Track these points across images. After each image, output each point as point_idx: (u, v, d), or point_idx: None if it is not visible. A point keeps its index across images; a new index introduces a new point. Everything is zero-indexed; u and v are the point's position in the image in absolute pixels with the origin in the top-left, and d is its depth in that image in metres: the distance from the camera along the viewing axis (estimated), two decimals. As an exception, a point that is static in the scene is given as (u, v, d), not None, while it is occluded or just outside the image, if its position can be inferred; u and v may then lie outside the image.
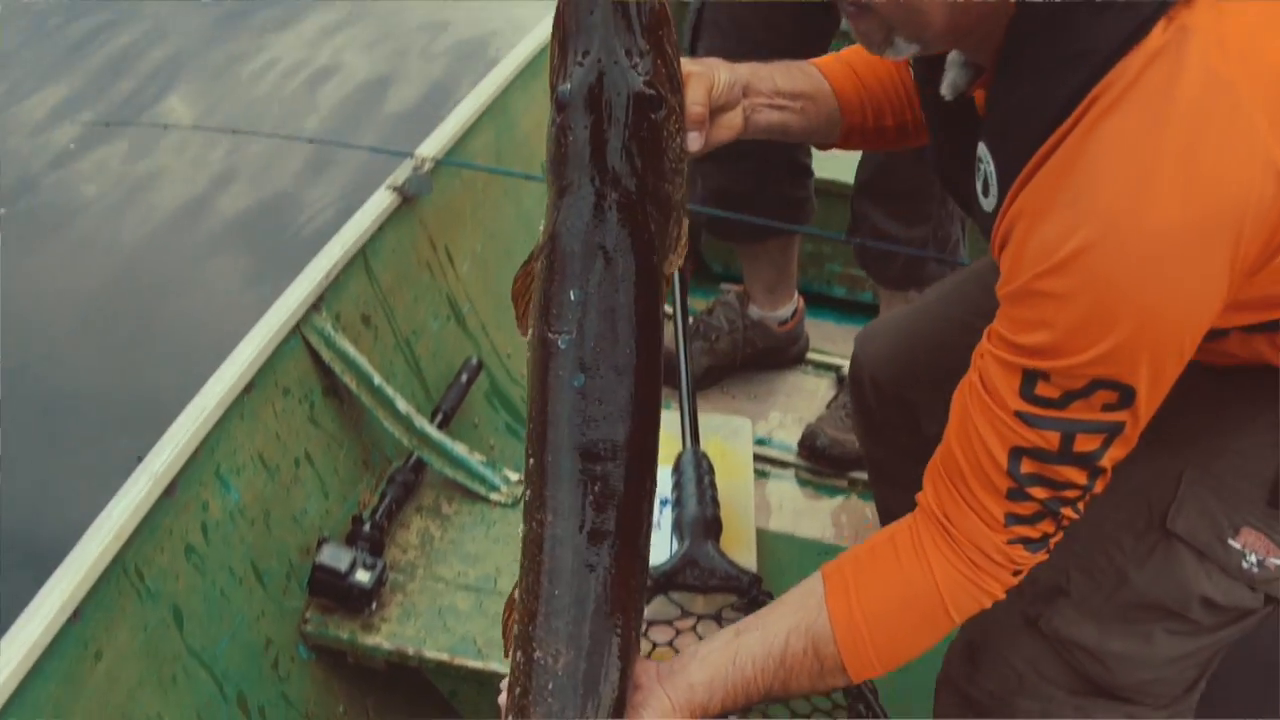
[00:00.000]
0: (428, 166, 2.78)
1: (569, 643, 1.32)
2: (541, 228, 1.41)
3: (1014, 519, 1.31)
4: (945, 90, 1.39)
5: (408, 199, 2.75)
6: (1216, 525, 1.47)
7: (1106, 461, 1.27)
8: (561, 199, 1.38)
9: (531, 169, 3.07)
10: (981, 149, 1.30)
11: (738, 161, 2.62)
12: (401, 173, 2.76)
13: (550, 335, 1.35)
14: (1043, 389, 1.23)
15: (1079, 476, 1.28)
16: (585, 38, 1.37)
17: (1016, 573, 1.36)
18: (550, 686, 1.32)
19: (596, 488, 1.32)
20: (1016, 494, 1.30)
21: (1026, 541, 1.33)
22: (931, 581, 1.36)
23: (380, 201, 2.71)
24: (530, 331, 1.40)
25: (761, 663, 1.39)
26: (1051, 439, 1.25)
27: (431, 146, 2.86)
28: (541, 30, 3.41)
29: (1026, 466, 1.28)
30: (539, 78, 3.24)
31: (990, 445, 1.29)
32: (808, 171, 2.85)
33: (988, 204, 1.30)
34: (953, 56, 1.37)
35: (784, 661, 1.39)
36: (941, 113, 1.45)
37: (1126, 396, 1.20)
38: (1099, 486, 1.30)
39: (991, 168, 1.27)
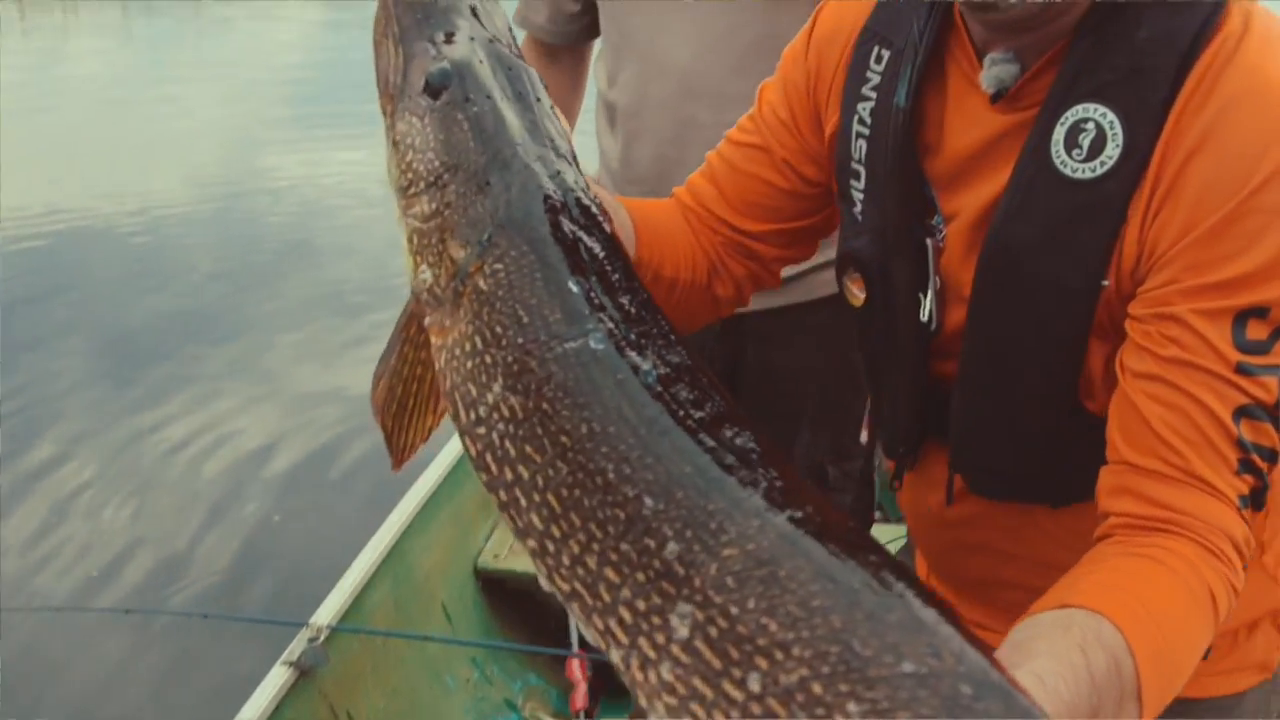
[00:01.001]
0: (323, 636, 2.67)
1: (934, 654, 0.97)
2: (430, 242, 1.25)
3: (1244, 500, 1.24)
4: (990, 85, 1.40)
5: (304, 672, 2.62)
6: None
7: None
8: (493, 183, 1.24)
9: (432, 611, 2.99)
10: (1081, 110, 1.32)
11: None
12: (297, 646, 2.67)
13: (570, 345, 1.15)
14: (1254, 329, 1.23)
15: (1276, 439, 1.25)
16: (442, 19, 1.31)
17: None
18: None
19: (767, 476, 1.09)
20: (1246, 466, 1.23)
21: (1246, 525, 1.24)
22: (1204, 584, 1.20)
23: (276, 679, 2.61)
24: (507, 370, 1.17)
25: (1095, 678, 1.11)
26: (1271, 387, 1.23)
27: (327, 611, 2.79)
28: (436, 469, 3.42)
29: (1248, 432, 1.23)
30: (436, 517, 3.20)
31: (1217, 412, 1.22)
32: None
33: (1093, 167, 1.31)
34: (992, 56, 1.40)
35: (1093, 681, 1.09)
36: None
37: None
38: None
39: (1112, 118, 1.30)
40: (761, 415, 1.62)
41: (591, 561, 1.12)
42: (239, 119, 12.53)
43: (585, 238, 1.25)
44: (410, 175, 1.28)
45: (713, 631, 1.04)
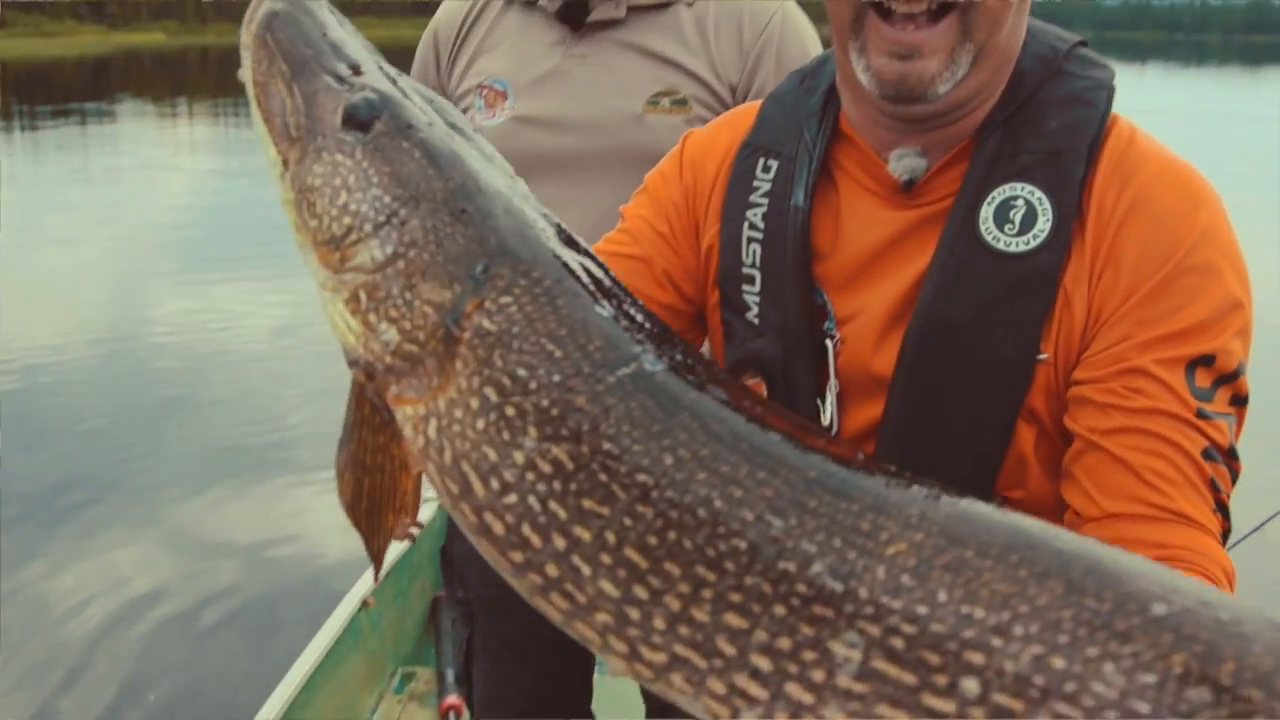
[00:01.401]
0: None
1: (1171, 590, 0.89)
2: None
3: (1222, 537, 1.29)
4: (903, 174, 1.50)
5: None
6: None
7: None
8: (470, 211, 1.09)
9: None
10: (1008, 189, 1.45)
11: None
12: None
13: (623, 372, 1.00)
14: (1201, 378, 1.32)
15: (1229, 483, 1.31)
16: (334, 53, 1.18)
17: None
18: None
19: (883, 468, 0.99)
20: (1219, 505, 1.29)
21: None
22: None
23: None
24: (543, 418, 0.99)
25: None
26: (1225, 430, 1.31)
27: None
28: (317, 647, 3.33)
29: (1213, 474, 1.28)
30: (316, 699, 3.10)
31: (1191, 453, 1.28)
32: None
33: (1027, 240, 1.42)
34: (899, 151, 1.51)
35: None
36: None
37: (1242, 395, 1.36)
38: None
39: (1040, 194, 1.43)
40: None
41: (702, 613, 0.95)
42: (125, 266, 12.36)
43: (585, 259, 1.12)
44: (347, 220, 1.11)
45: (896, 644, 0.90)
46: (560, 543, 1.00)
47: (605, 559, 0.99)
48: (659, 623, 0.97)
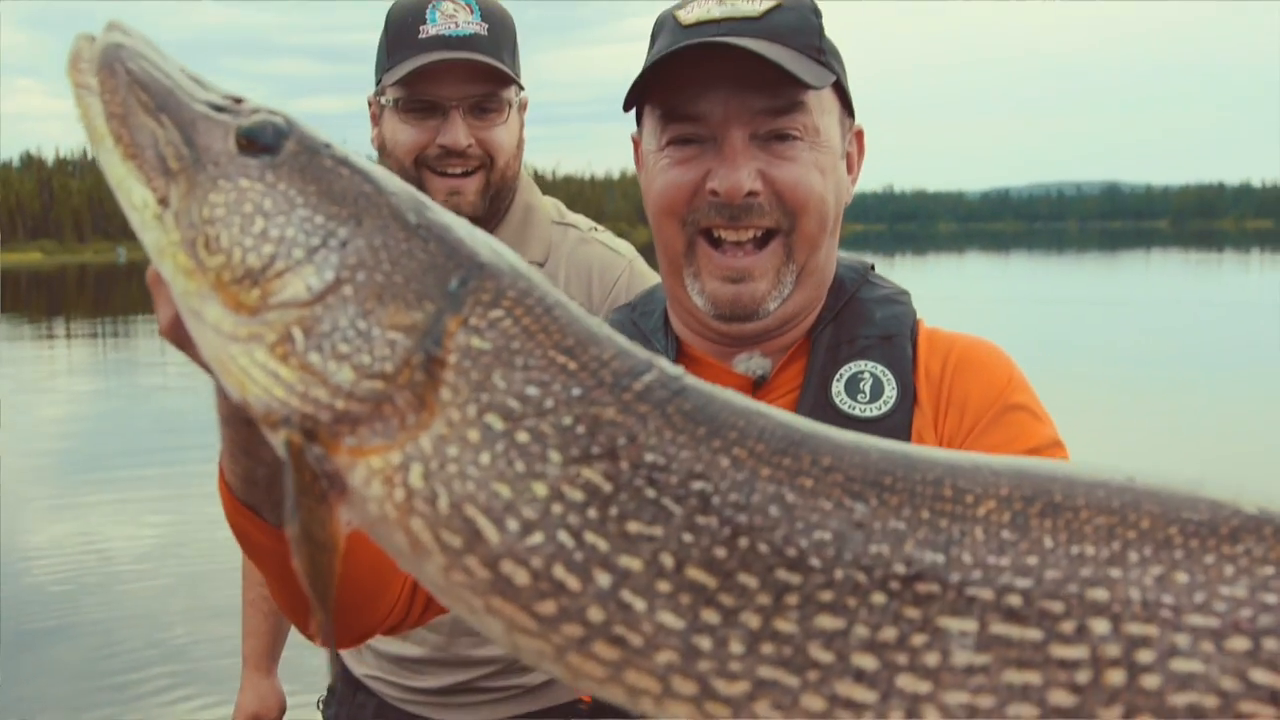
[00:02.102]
0: None
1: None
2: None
3: None
4: (752, 372, 1.72)
5: None
6: None
7: None
8: (422, 224, 0.98)
9: None
10: (854, 366, 1.70)
11: None
12: None
13: (648, 378, 0.92)
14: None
15: None
16: (204, 85, 1.07)
17: None
18: None
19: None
20: None
21: None
22: None
23: None
24: (567, 438, 0.88)
25: None
26: None
27: None
28: None
29: None
30: None
31: None
32: None
33: (878, 406, 1.67)
34: (741, 356, 1.73)
35: None
36: None
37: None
38: None
39: (883, 369, 1.70)
40: None
41: (788, 624, 0.86)
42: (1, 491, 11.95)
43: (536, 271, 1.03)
44: (268, 249, 0.97)
45: (1013, 601, 0.85)
46: (604, 579, 0.88)
47: (663, 587, 0.88)
48: (736, 646, 0.87)
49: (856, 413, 1.67)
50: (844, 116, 1.77)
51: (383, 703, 2.79)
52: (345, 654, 2.88)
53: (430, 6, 2.58)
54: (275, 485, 0.96)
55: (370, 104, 2.73)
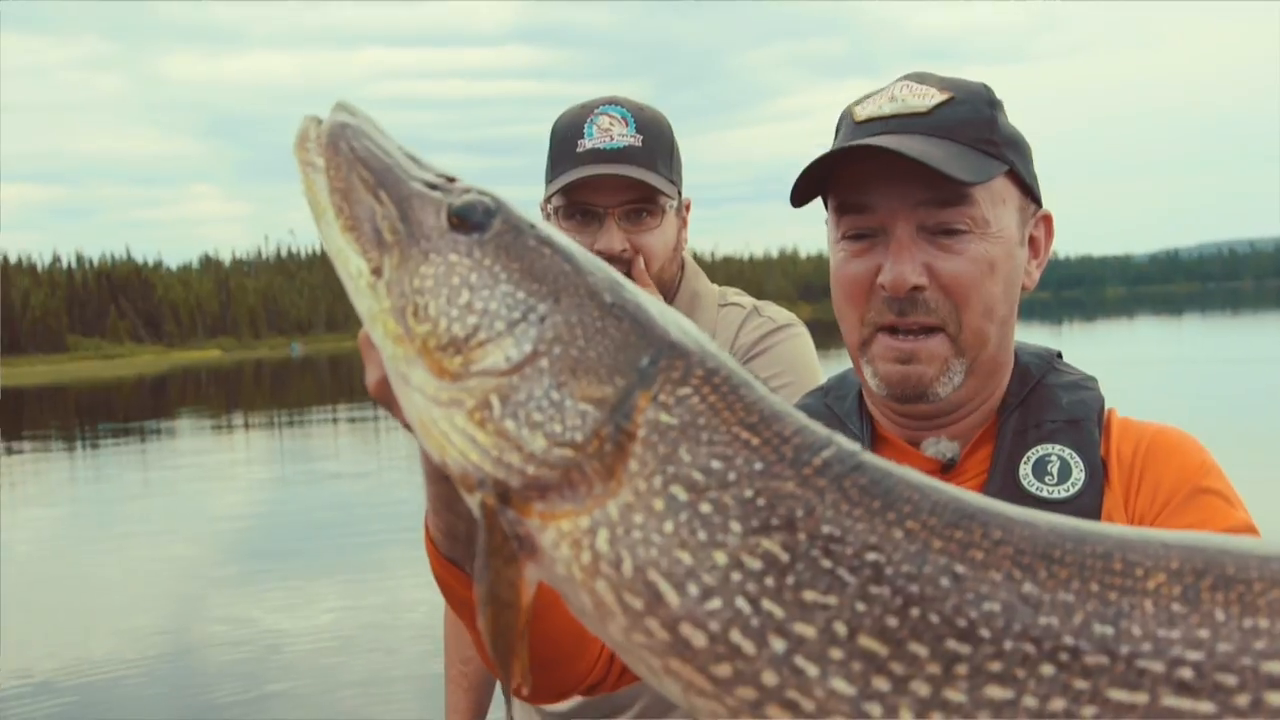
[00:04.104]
0: None
1: None
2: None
3: None
4: (940, 455, 1.73)
5: None
6: None
7: None
8: (616, 304, 1.02)
9: None
10: (1041, 450, 1.72)
11: None
12: None
13: (826, 454, 0.95)
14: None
15: None
16: (421, 164, 1.14)
17: None
18: None
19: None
20: None
21: None
22: None
23: None
24: (748, 510, 0.92)
25: None
26: None
27: None
28: None
29: None
30: None
31: None
32: None
33: (1066, 488, 1.69)
34: (929, 440, 1.76)
35: None
36: None
37: None
38: None
39: (1070, 452, 1.71)
40: None
41: (957, 693, 0.88)
42: (182, 580, 12.43)
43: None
44: (473, 320, 1.03)
45: (1184, 674, 0.85)
46: (779, 645, 0.91)
47: (836, 654, 0.90)
48: (906, 715, 0.89)
49: (1045, 494, 1.69)
50: (1025, 203, 1.78)
51: None
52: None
53: (588, 121, 2.75)
54: (474, 540, 1.02)
55: (541, 209, 2.88)
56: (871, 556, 0.90)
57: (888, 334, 1.72)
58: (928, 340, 1.70)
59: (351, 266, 1.10)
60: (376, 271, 1.09)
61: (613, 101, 2.80)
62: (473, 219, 1.08)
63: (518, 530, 1.00)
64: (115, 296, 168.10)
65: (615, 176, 2.69)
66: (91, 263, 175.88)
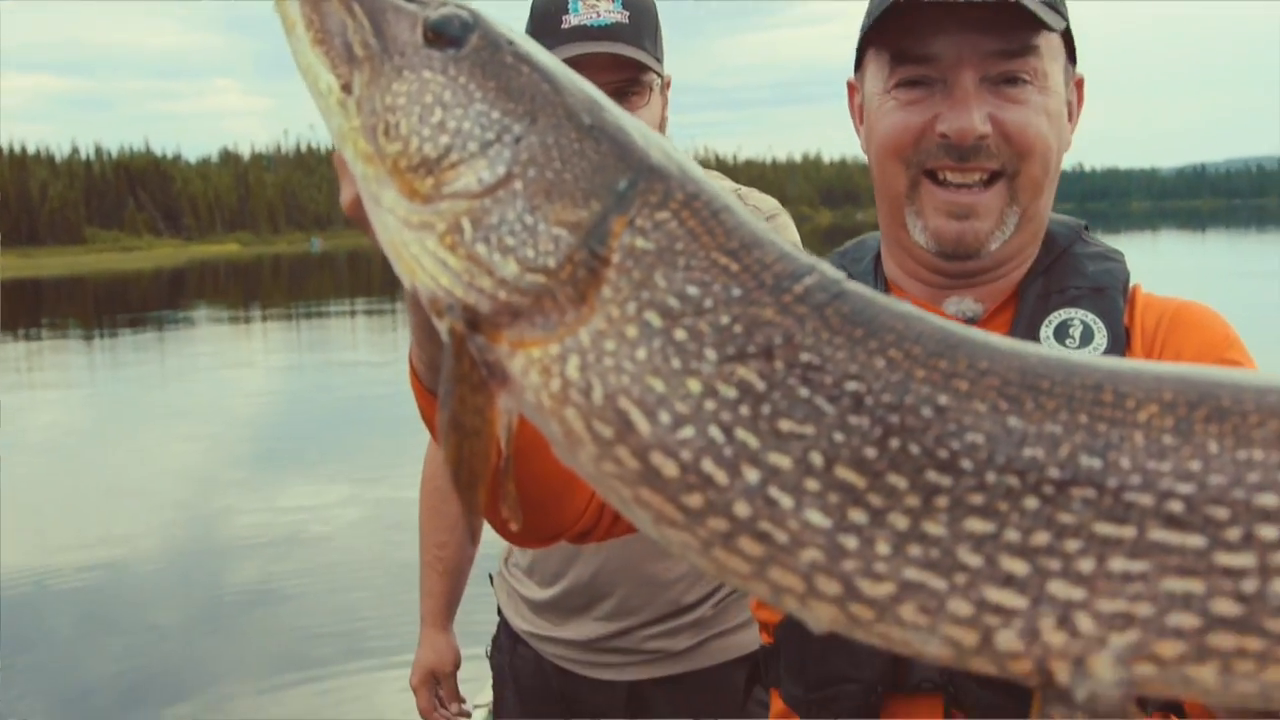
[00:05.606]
0: None
1: None
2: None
3: None
4: (964, 314, 1.73)
5: None
6: None
7: None
8: (596, 125, 0.99)
9: None
10: (1064, 314, 1.70)
11: None
12: None
13: (808, 281, 0.92)
14: None
15: None
16: None
17: None
18: None
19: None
20: None
21: None
22: None
23: None
24: (723, 336, 0.90)
25: None
26: None
27: None
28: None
29: None
30: None
31: None
32: None
33: (1087, 352, 1.63)
34: (954, 298, 1.74)
35: None
36: None
37: None
38: None
39: (1093, 318, 1.69)
40: None
41: (937, 526, 0.85)
42: (200, 465, 12.55)
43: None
44: (445, 140, 0.99)
45: (1174, 507, 0.83)
46: (752, 475, 0.88)
47: (811, 485, 0.88)
48: (883, 547, 0.86)
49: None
50: (1068, 64, 1.76)
51: (540, 657, 2.89)
52: (506, 608, 3.02)
53: None
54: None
55: None
56: (851, 386, 0.88)
57: (938, 185, 1.68)
58: (984, 192, 1.67)
59: (321, 83, 1.06)
60: (346, 88, 1.04)
61: None
62: (449, 33, 1.02)
63: (486, 357, 0.97)
64: (134, 189, 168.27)
65: (604, 54, 2.58)
66: (110, 155, 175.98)
